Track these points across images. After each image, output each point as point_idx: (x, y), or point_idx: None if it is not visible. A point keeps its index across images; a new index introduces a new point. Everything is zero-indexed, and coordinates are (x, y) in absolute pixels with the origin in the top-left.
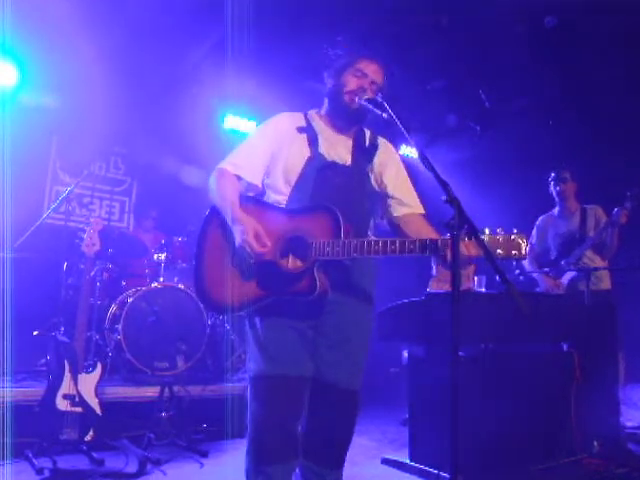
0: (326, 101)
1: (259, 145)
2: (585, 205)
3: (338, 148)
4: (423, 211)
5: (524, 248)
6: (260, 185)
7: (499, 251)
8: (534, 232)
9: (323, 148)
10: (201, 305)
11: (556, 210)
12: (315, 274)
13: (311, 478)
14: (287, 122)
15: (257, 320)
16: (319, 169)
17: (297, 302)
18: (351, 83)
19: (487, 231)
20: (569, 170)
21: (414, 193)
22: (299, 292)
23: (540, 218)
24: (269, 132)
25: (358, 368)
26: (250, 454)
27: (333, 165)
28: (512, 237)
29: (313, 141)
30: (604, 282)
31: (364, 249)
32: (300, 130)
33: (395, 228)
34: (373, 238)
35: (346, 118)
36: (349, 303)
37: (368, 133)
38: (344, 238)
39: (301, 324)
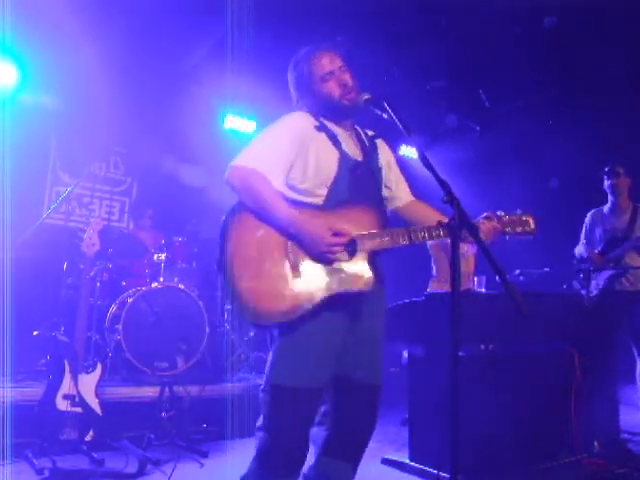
0: (311, 108)
1: (284, 149)
2: (638, 203)
3: (350, 145)
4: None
5: (532, 223)
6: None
7: (507, 229)
8: (582, 230)
9: (344, 146)
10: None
11: (606, 207)
12: (371, 265)
13: (331, 476)
14: (304, 121)
15: (300, 323)
16: (350, 169)
17: (346, 300)
18: (333, 89)
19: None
20: (623, 165)
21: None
22: (361, 287)
23: (588, 214)
24: (290, 133)
25: (381, 363)
26: (263, 465)
27: (360, 163)
28: (517, 217)
29: (335, 140)
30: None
31: (411, 237)
32: (318, 129)
33: (399, 216)
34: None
35: (347, 116)
36: (374, 296)
37: (358, 127)
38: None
39: (347, 323)
